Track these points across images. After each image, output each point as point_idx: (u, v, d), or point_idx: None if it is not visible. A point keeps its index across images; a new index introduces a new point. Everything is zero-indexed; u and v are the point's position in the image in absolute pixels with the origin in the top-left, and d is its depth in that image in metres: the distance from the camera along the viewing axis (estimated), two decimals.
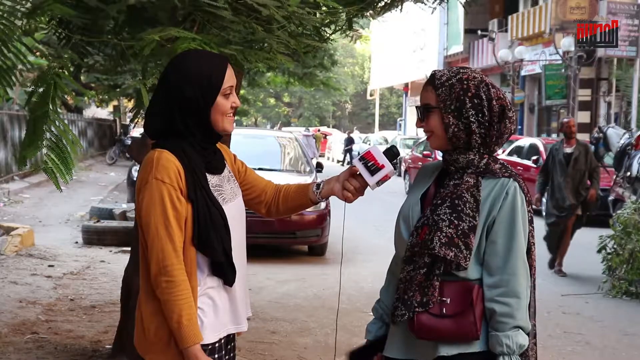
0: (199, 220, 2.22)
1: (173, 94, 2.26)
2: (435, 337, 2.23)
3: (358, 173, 2.39)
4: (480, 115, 2.25)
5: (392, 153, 2.40)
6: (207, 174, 2.30)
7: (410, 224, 2.33)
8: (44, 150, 3.73)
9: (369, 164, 2.36)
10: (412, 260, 2.29)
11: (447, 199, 2.26)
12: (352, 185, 2.40)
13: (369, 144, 35.83)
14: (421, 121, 2.35)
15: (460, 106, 2.26)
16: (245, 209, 2.47)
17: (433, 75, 2.34)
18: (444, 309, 2.22)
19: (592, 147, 11.21)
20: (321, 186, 2.46)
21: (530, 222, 2.29)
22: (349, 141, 36.11)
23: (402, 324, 2.29)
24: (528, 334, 2.24)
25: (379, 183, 2.38)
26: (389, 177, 2.38)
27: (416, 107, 2.42)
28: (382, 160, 2.36)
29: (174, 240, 2.18)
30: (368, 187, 2.41)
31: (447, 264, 2.22)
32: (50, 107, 3.57)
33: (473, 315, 2.19)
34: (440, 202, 2.28)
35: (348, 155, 35.93)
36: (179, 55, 2.37)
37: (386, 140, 34.76)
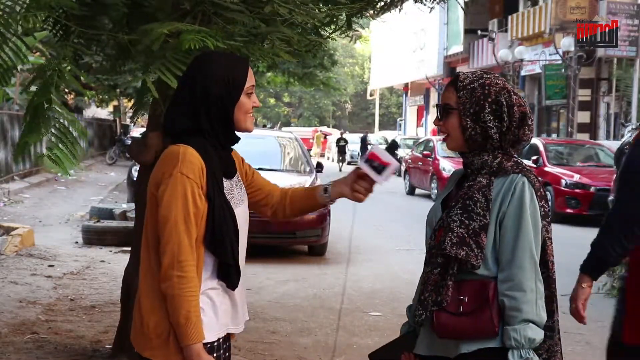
0: (214, 221, 2.24)
1: (199, 93, 2.29)
2: (456, 336, 2.27)
3: (365, 174, 2.43)
4: (497, 120, 2.30)
5: (392, 147, 2.48)
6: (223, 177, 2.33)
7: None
8: (49, 138, 3.74)
9: (374, 164, 2.41)
10: (430, 262, 2.35)
11: (459, 200, 2.32)
12: (361, 187, 2.45)
13: (370, 145, 35.68)
14: (439, 120, 2.40)
15: (479, 110, 2.31)
16: (250, 212, 2.50)
17: (457, 76, 2.39)
18: (461, 307, 2.26)
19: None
20: (329, 190, 2.49)
21: (545, 216, 2.32)
22: (364, 141, 35.09)
23: (426, 323, 2.35)
24: (547, 330, 2.29)
25: (386, 178, 2.44)
26: (395, 171, 2.44)
27: (436, 105, 2.47)
28: (386, 157, 2.41)
29: (192, 236, 2.20)
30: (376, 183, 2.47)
31: (462, 263, 2.26)
32: (53, 96, 3.58)
33: (490, 312, 2.23)
34: (454, 204, 2.34)
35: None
36: (202, 56, 2.40)
37: (386, 140, 34.65)
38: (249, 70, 2.35)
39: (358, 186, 2.45)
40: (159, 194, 2.23)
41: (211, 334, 2.27)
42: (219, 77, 2.29)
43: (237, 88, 2.30)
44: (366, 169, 2.42)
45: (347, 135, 37.60)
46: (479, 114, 2.30)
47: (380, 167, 2.40)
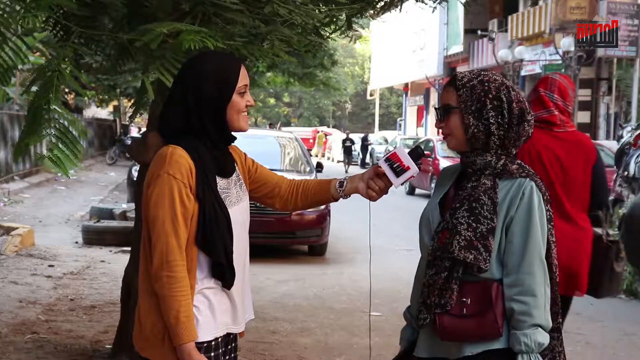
0: (205, 220, 2.23)
1: (190, 93, 2.29)
2: (459, 338, 2.26)
3: (383, 173, 2.40)
4: (500, 117, 2.28)
5: (416, 153, 2.41)
6: (217, 177, 2.31)
7: (431, 228, 2.36)
8: (49, 139, 3.74)
9: (394, 165, 2.38)
10: (434, 265, 2.32)
11: (464, 202, 2.29)
12: (377, 185, 2.43)
13: (371, 145, 35.64)
14: (440, 122, 2.38)
15: (480, 107, 2.29)
16: (252, 206, 2.49)
17: (454, 76, 2.37)
18: (464, 309, 2.24)
19: None
20: (345, 184, 2.48)
21: (550, 220, 2.31)
22: (365, 141, 34.86)
23: (428, 326, 2.33)
24: (552, 331, 2.27)
25: (403, 183, 2.41)
26: (413, 177, 2.41)
27: (435, 108, 2.45)
28: (408, 161, 2.38)
29: (180, 236, 2.20)
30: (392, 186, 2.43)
31: (468, 266, 2.24)
32: (53, 96, 3.57)
33: (493, 313, 2.22)
34: (458, 205, 2.30)
35: (368, 155, 34.42)
36: (195, 56, 2.40)
37: (386, 140, 34.57)
38: (242, 70, 2.33)
39: (374, 184, 2.42)
40: (147, 195, 2.24)
41: (207, 334, 2.26)
42: (210, 76, 2.28)
43: (229, 87, 2.29)
44: (385, 168, 2.38)
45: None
46: (481, 110, 2.28)
47: (399, 169, 2.37)
